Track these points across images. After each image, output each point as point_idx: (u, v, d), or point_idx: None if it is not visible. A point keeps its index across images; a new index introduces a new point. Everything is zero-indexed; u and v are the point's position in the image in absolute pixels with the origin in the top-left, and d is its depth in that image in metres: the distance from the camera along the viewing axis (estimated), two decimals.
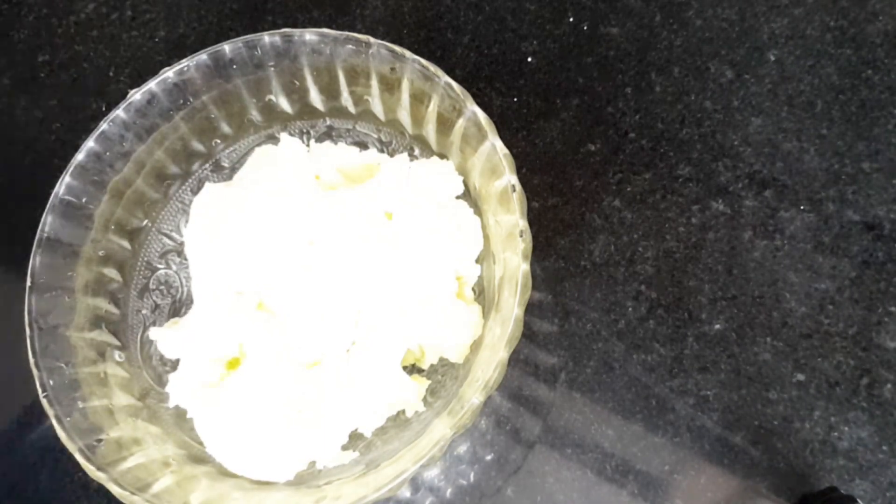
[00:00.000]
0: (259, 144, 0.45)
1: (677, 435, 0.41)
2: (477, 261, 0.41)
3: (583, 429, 0.41)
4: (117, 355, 0.39)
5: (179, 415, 0.39)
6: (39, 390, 0.34)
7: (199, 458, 0.37)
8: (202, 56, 0.39)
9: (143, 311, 0.42)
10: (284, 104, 0.43)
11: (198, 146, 0.43)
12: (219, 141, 0.44)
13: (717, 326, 0.43)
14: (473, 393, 0.32)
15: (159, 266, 0.43)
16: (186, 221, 0.43)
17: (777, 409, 0.41)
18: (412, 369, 0.40)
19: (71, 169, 0.37)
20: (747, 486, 0.40)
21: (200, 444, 0.38)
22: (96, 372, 0.37)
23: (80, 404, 0.35)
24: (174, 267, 0.43)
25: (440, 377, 0.40)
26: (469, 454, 0.41)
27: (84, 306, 0.38)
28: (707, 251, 0.44)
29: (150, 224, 0.43)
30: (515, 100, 0.49)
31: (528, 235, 0.34)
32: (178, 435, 0.38)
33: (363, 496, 0.31)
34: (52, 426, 0.33)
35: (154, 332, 0.39)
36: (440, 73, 0.37)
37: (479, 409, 0.32)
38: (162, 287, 0.42)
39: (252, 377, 0.37)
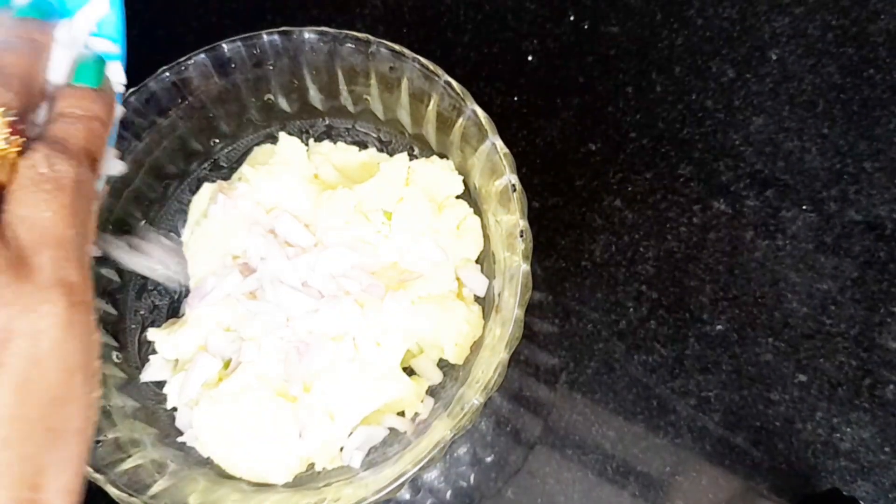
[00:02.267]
0: (258, 144, 0.45)
1: (678, 436, 0.41)
2: (477, 261, 0.41)
3: (583, 430, 0.41)
4: (115, 356, 0.39)
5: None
6: None
7: (198, 459, 0.37)
8: (200, 55, 0.39)
9: (142, 312, 0.42)
10: (283, 103, 0.43)
11: (196, 145, 0.43)
12: (217, 140, 0.44)
13: (719, 327, 0.43)
14: (473, 394, 0.32)
15: (157, 266, 0.43)
16: (185, 221, 0.43)
17: (779, 409, 0.41)
18: (412, 370, 0.40)
19: None
20: (748, 487, 0.40)
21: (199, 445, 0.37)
22: None
23: None
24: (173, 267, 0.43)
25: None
26: (469, 456, 0.41)
27: None
28: (708, 251, 0.44)
29: (148, 224, 0.43)
30: (516, 99, 0.48)
31: (529, 235, 0.34)
32: (176, 436, 0.38)
33: (363, 498, 0.31)
34: None
35: (152, 333, 0.39)
36: (440, 71, 0.37)
37: (479, 410, 0.32)
38: (160, 287, 0.42)
39: (251, 378, 0.37)
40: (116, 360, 0.39)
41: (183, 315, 0.40)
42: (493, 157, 0.36)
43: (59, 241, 0.22)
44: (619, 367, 0.42)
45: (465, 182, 0.41)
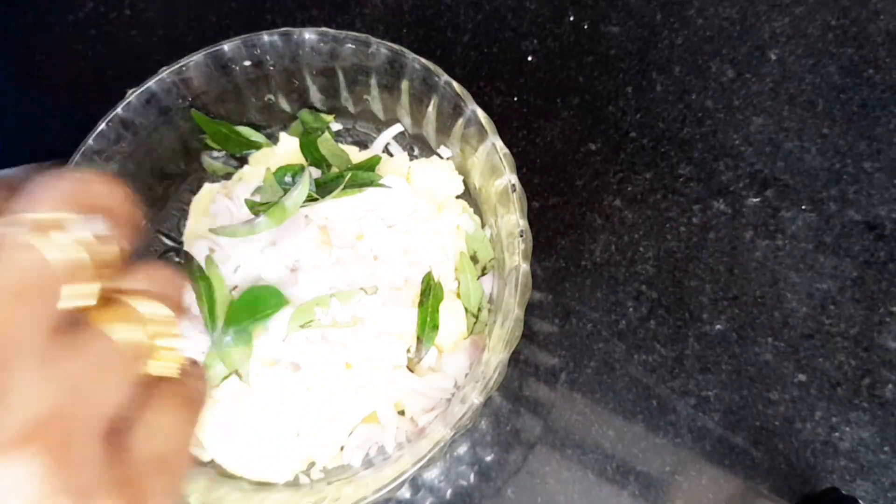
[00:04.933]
0: None
1: (678, 435, 0.41)
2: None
3: (583, 429, 0.41)
4: None
5: None
6: None
7: (198, 458, 0.37)
8: (201, 55, 0.39)
9: None
10: (284, 103, 0.43)
11: (196, 145, 0.43)
12: None
13: (719, 327, 0.43)
14: (473, 393, 0.32)
15: None
16: (185, 221, 0.43)
17: (778, 409, 0.41)
18: (412, 369, 0.40)
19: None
20: (748, 486, 0.40)
21: (200, 444, 0.37)
22: None
23: None
24: None
25: None
26: (469, 455, 0.41)
27: None
28: (708, 251, 0.44)
29: (148, 224, 0.43)
30: (515, 99, 0.48)
31: (529, 235, 0.34)
32: None
33: (363, 497, 0.31)
34: None
35: None
36: (440, 72, 0.37)
37: (479, 409, 0.32)
38: None
39: (251, 378, 0.37)
40: None
41: None
42: (493, 157, 0.36)
43: (178, 465, 0.19)
44: (618, 366, 0.42)
45: (465, 182, 0.41)
